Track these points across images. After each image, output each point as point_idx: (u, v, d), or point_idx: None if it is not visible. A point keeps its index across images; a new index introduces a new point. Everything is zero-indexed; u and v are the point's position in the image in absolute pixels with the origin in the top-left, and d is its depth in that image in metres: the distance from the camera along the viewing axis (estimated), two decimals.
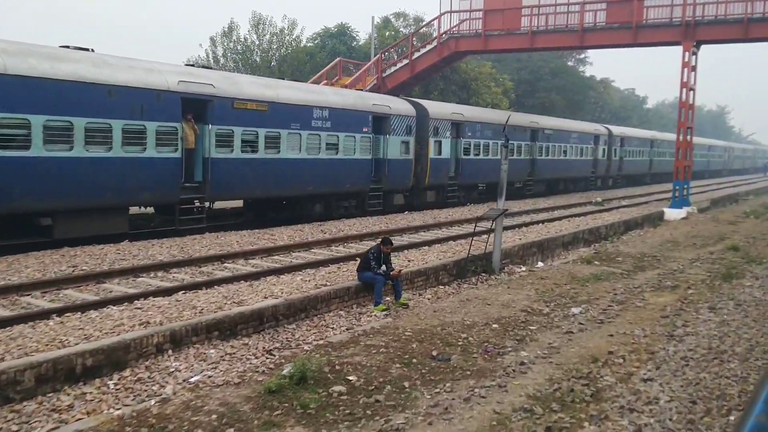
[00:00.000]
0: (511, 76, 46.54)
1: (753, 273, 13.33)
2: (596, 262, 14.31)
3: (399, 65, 30.14)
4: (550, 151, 30.38)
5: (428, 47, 29.33)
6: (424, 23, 31.37)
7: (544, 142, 29.77)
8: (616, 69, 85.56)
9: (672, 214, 24.96)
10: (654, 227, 22.93)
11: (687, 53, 24.77)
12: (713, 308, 10.09)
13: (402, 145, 20.07)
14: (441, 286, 11.63)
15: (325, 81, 29.12)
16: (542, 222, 18.92)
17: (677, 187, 25.28)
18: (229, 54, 33.06)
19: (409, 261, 12.12)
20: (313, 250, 12.97)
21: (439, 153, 22.03)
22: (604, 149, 36.73)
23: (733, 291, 11.47)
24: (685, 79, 24.85)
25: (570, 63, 54.99)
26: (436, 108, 22.05)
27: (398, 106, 20.00)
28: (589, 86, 51.64)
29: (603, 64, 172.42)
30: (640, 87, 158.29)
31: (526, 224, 18.44)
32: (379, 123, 19.24)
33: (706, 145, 60.92)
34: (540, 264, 14.30)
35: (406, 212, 20.23)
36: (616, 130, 39.28)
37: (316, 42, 37.67)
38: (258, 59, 32.36)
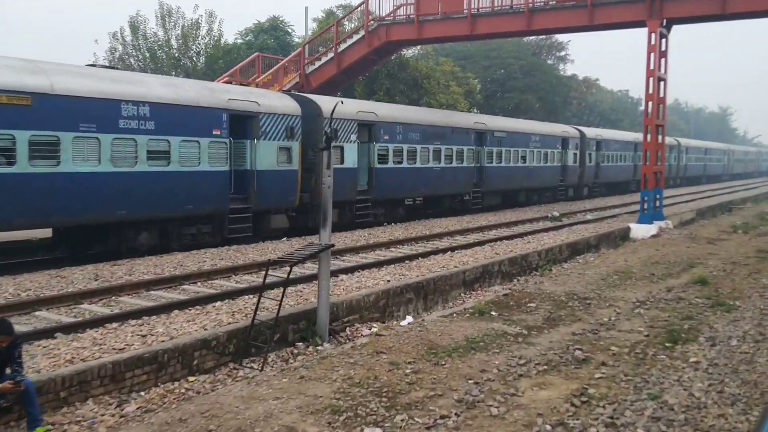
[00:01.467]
0: (479, 75, 42.46)
1: (712, 329, 9.10)
2: (492, 313, 10.08)
3: (324, 59, 26.08)
4: (503, 156, 26.16)
5: (355, 37, 25.27)
6: (351, 10, 27.37)
7: (495, 147, 25.57)
8: (607, 70, 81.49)
9: (639, 230, 20.70)
10: (614, 249, 18.71)
11: (653, 35, 20.61)
12: (613, 422, 5.89)
13: (280, 152, 15.91)
14: (200, 376, 7.36)
15: (236, 80, 25.07)
16: (447, 251, 14.65)
17: (646, 198, 21.01)
18: (131, 50, 29.11)
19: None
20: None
21: (341, 161, 17.86)
22: (575, 154, 32.50)
23: (667, 372, 7.26)
24: (651, 67, 20.67)
25: (550, 62, 50.90)
26: (333, 105, 17.85)
27: (273, 102, 15.85)
28: (568, 86, 47.49)
29: (593, 65, 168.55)
30: (636, 89, 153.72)
31: (422, 254, 14.13)
32: (242, 124, 15.10)
33: (702, 148, 56.67)
34: (407, 319, 10.04)
35: (285, 238, 16.01)
36: (591, 132, 35.07)
37: (247, 38, 33.73)
38: (165, 56, 28.43)
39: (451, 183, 22.88)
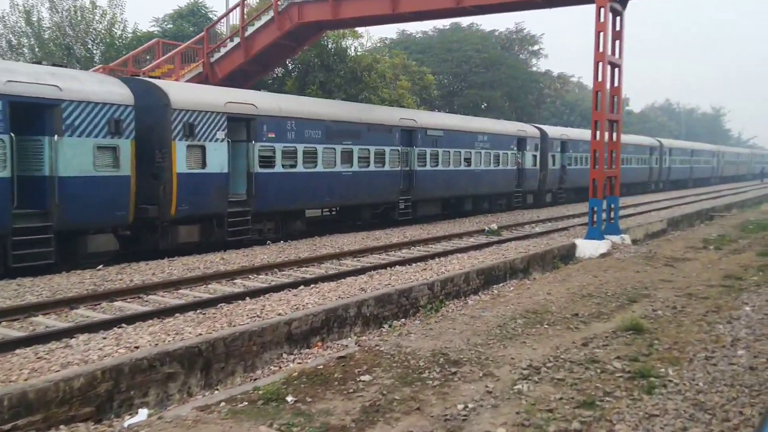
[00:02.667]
0: (438, 69, 38.97)
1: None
2: (288, 399, 6.50)
3: (230, 45, 22.55)
4: (440, 159, 22.60)
5: (264, 19, 21.73)
6: None
7: (429, 147, 22.00)
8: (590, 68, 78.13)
9: (587, 248, 17.16)
10: (551, 272, 15.19)
11: (602, 10, 17.12)
12: None
13: (100, 153, 12.30)
14: None
15: (128, 70, 21.49)
16: (299, 285, 11.01)
17: (595, 209, 17.46)
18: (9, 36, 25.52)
19: None
20: None
21: (202, 165, 14.27)
22: (534, 156, 28.97)
23: None
24: (600, 49, 17.16)
25: (522, 57, 47.44)
26: (186, 94, 14.26)
27: (85, 87, 12.20)
28: (539, 82, 44.05)
29: (577, 63, 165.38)
30: (630, 90, 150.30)
31: (252, 292, 10.49)
32: (34, 115, 11.51)
33: (688, 149, 53.32)
34: (141, 414, 6.43)
35: (101, 266, 12.35)
36: (554, 131, 31.56)
37: (165, 25, 30.17)
38: (54, 44, 24.76)
39: (369, 190, 19.33)
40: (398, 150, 20.53)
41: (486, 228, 19.91)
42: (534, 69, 47.82)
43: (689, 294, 12.13)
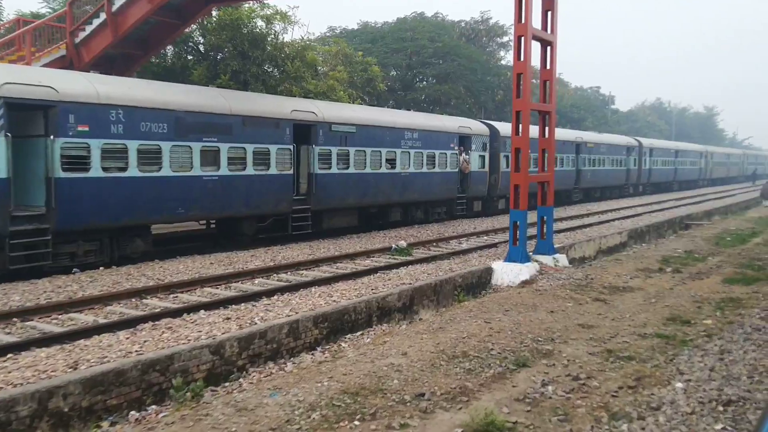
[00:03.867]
0: (388, 60, 35.26)
1: None
2: None
3: (96, 23, 18.81)
4: (351, 160, 18.88)
5: None
6: None
7: (335, 146, 18.29)
8: (574, 66, 74.65)
9: (505, 274, 13.48)
10: (447, 308, 11.50)
11: None
12: None
13: None
14: None
15: None
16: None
17: (517, 223, 13.74)
18: None
19: None
20: None
21: None
22: (482, 156, 25.28)
23: None
24: (523, 20, 13.45)
25: (490, 49, 43.77)
26: None
27: None
28: (505, 76, 40.37)
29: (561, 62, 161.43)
30: (606, 84, 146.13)
31: None
32: None
33: (672, 150, 49.72)
34: None
35: None
36: (508, 128, 27.85)
37: (54, 4, 26.43)
38: None
39: (246, 199, 15.63)
40: (290, 149, 16.80)
41: (393, 246, 16.20)
42: (503, 63, 44.18)
43: (608, 351, 8.59)
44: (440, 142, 22.84)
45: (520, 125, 13.62)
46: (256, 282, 11.94)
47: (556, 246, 16.95)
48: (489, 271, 13.61)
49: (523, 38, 13.49)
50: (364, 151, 19.29)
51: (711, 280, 13.67)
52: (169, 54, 26.31)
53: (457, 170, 23.83)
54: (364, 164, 19.30)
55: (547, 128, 14.88)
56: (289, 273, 12.81)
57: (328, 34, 37.56)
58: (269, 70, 26.34)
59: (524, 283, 13.09)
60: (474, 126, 24.93)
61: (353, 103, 27.01)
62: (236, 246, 15.85)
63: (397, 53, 34.85)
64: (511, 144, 13.89)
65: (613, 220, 25.41)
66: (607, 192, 38.26)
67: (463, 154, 23.98)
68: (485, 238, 19.19)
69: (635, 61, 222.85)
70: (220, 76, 24.31)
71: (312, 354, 8.92)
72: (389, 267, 13.79)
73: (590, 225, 23.44)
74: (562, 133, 33.76)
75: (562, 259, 14.84)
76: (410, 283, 11.59)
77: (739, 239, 21.08)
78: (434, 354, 8.27)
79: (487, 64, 37.31)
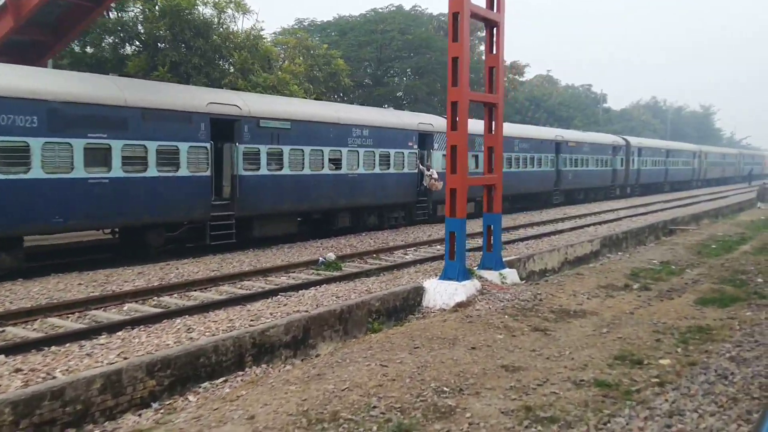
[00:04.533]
0: (356, 54, 33.16)
1: None
2: None
3: None
4: (286, 159, 16.78)
5: None
6: None
7: (263, 144, 16.20)
8: (563, 64, 72.56)
9: (438, 294, 11.40)
10: (352, 342, 9.42)
11: None
12: None
13: None
14: None
15: None
16: None
17: (454, 233, 11.63)
18: None
19: None
20: None
21: None
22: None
23: None
24: None
25: (470, 44, 41.59)
26: None
27: None
28: (481, 71, 38.23)
29: (546, 53, 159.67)
30: (613, 88, 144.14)
31: None
32: None
33: (663, 149, 47.65)
34: None
35: None
36: (439, 122, 25.74)
37: None
38: None
39: (148, 205, 13.52)
40: (206, 147, 14.69)
41: (320, 258, 14.08)
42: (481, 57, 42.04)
43: (527, 409, 6.52)
44: (397, 140, 20.76)
45: (457, 118, 11.52)
46: (125, 308, 9.83)
47: (512, 258, 14.90)
48: (420, 291, 11.51)
49: (459, 16, 11.40)
50: (302, 150, 17.19)
51: (682, 300, 11.61)
52: (105, 44, 24.21)
53: (416, 171, 21.75)
54: (301, 165, 17.19)
55: (493, 123, 12.77)
56: (175, 295, 10.70)
57: (295, 26, 35.49)
58: (219, 62, 24.27)
59: (459, 306, 11.01)
60: (436, 122, 22.83)
61: (309, 98, 24.89)
62: (142, 259, 13.76)
63: (367, 46, 32.72)
64: (447, 141, 11.80)
65: (590, 225, 23.33)
66: (591, 194, 36.19)
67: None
68: (438, 247, 17.10)
69: (630, 60, 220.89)
70: (158, 67, 22.22)
71: (139, 415, 6.81)
72: (304, 285, 11.70)
73: (562, 231, 21.34)
74: (540, 132, 31.72)
75: (511, 275, 12.74)
76: (305, 311, 9.46)
77: (725, 247, 19.04)
78: (292, 419, 6.20)
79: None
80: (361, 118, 19.56)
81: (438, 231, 20.27)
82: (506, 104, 44.99)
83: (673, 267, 15.35)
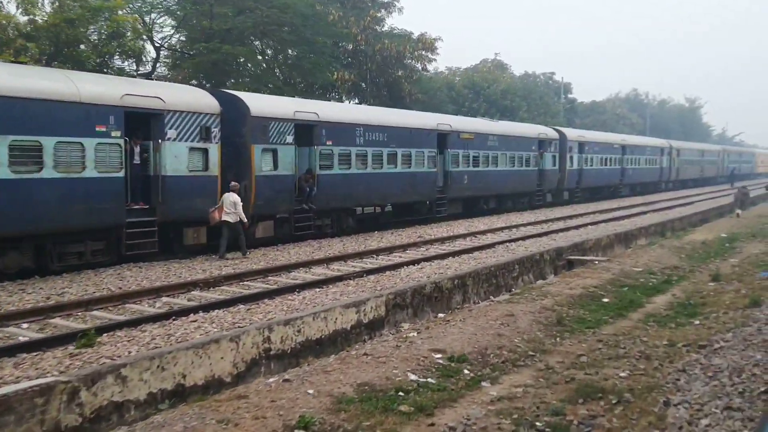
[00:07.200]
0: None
1: None
2: None
3: None
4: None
5: None
6: None
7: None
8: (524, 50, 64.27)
9: None
10: None
11: None
12: None
13: None
14: None
15: None
16: None
17: None
18: None
19: None
20: None
21: None
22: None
23: None
24: None
25: (380, 15, 33.27)
26: None
27: None
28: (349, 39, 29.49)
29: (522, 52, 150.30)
30: (591, 78, 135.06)
31: None
32: None
33: (617, 146, 39.26)
34: None
35: None
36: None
37: None
38: None
39: None
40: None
41: None
42: (389, 30, 33.62)
43: None
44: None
45: None
46: None
47: None
48: None
49: None
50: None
51: None
52: None
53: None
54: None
55: None
56: None
57: None
58: None
59: None
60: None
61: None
62: None
63: (209, 21, 24.13)
64: None
65: (413, 263, 14.76)
66: (506, 201, 27.80)
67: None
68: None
69: (608, 50, 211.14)
70: None
71: None
72: None
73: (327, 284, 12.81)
74: (412, 119, 22.86)
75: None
76: None
77: (623, 302, 10.82)
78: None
79: (318, 18, 26.17)
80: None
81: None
82: (425, 92, 36.59)
83: (458, 380, 6.99)
